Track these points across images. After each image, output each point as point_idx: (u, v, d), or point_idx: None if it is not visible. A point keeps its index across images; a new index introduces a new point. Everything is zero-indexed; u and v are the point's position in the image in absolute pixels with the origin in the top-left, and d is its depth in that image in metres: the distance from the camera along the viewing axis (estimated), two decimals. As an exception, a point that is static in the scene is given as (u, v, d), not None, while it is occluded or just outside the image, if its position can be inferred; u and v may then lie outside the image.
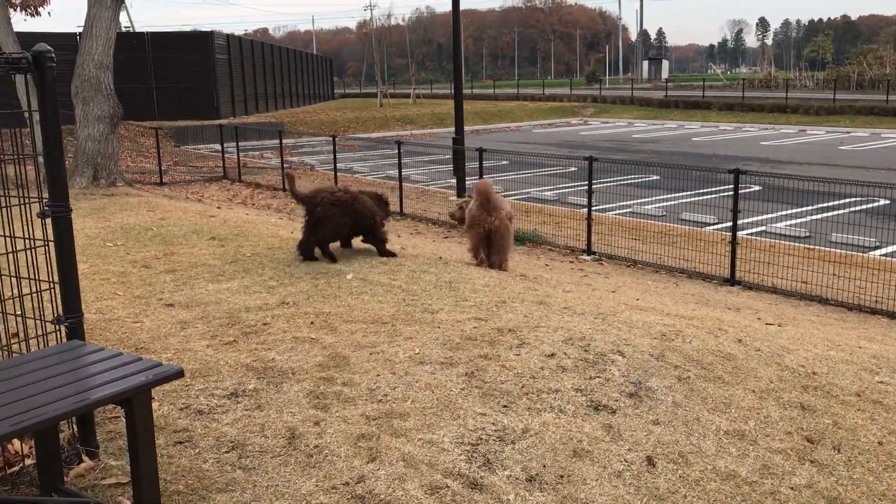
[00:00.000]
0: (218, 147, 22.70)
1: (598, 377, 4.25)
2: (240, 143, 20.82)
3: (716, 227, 14.12)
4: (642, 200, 16.54)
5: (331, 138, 17.82)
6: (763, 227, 13.56)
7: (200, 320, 5.39)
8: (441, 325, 5.13)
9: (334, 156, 17.61)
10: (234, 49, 35.11)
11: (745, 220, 13.37)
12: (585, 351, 4.59)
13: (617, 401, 4.01)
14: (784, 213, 14.40)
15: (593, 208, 12.44)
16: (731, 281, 10.62)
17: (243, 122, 31.88)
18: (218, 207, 11.38)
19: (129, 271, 6.78)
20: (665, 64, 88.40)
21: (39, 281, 3.38)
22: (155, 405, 4.00)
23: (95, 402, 2.64)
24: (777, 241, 12.50)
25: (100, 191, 12.03)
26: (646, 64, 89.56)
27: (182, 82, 31.61)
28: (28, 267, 3.39)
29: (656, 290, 9.27)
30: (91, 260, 7.25)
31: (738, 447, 3.71)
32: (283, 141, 19.70)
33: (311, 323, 5.27)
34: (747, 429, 3.89)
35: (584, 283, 7.78)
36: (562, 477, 3.34)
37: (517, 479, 3.30)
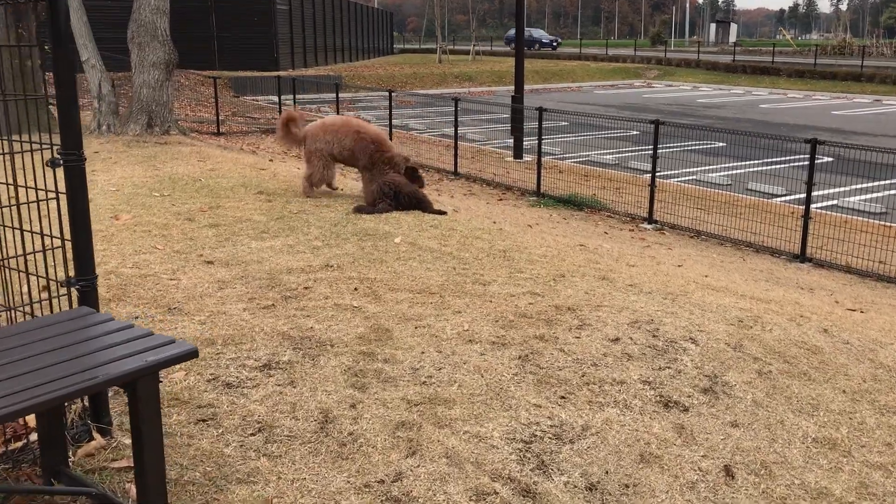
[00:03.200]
0: (276, 98, 22.42)
1: (669, 368, 3.77)
2: (297, 96, 20.48)
3: (785, 198, 13.35)
4: (707, 168, 15.78)
5: (387, 93, 17.36)
6: (835, 202, 12.76)
7: (240, 280, 5.04)
8: (493, 298, 4.69)
9: (389, 112, 17.15)
10: (295, 1, 34.67)
11: (817, 193, 12.59)
12: (654, 336, 4.11)
13: (690, 397, 3.53)
14: (858, 186, 13.51)
15: (656, 174, 11.79)
16: (802, 257, 9.95)
17: (302, 75, 31.55)
18: (270, 160, 11.04)
19: (171, 224, 6.46)
20: (733, 28, 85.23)
21: (52, 237, 3.02)
22: (181, 375, 3.66)
23: (96, 385, 2.27)
24: (850, 216, 11.70)
25: (153, 138, 11.78)
26: (713, 27, 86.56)
27: (243, 32, 31.34)
28: (41, 220, 3.04)
29: (723, 264, 8.68)
30: (135, 210, 6.96)
31: (830, 459, 3.22)
32: (340, 95, 19.29)
33: (355, 289, 4.87)
34: (839, 437, 3.38)
35: (648, 256, 7.25)
36: (627, 486, 2.89)
37: (575, 486, 2.87)
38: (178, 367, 3.75)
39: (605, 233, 10.40)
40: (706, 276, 6.33)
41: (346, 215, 6.78)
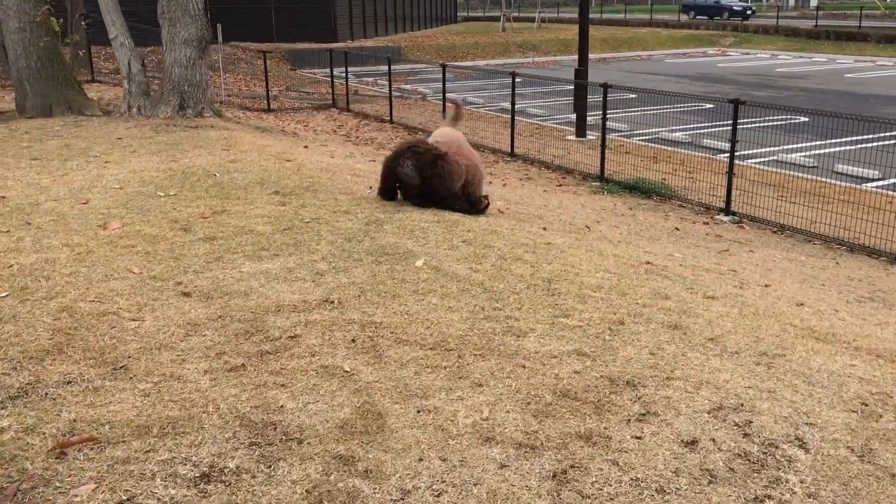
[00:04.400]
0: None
1: (769, 497, 2.58)
2: (355, 69, 19.41)
3: (878, 183, 11.73)
4: (788, 147, 14.15)
5: (440, 67, 16.15)
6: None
7: (214, 323, 4.00)
8: (528, 360, 3.53)
9: (443, 86, 15.95)
10: (355, -31, 33.52)
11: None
12: (745, 435, 2.91)
13: (805, 563, 2.34)
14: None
15: (724, 156, 10.34)
16: (907, 260, 8.48)
17: (360, 46, 30.45)
18: (305, 147, 10.00)
19: (162, 236, 5.47)
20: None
21: None
22: (87, 489, 2.64)
23: None
24: None
25: (184, 121, 10.88)
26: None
27: (301, 3, 30.37)
28: None
29: (814, 274, 7.32)
30: (130, 215, 6.00)
31: None
32: (399, 67, 18.15)
33: (352, 341, 3.78)
34: None
35: (728, 270, 5.97)
36: None
37: None
38: (87, 475, 2.73)
39: (676, 228, 9.08)
40: (802, 305, 5.04)
41: (366, 226, 5.66)
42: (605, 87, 11.94)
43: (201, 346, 3.74)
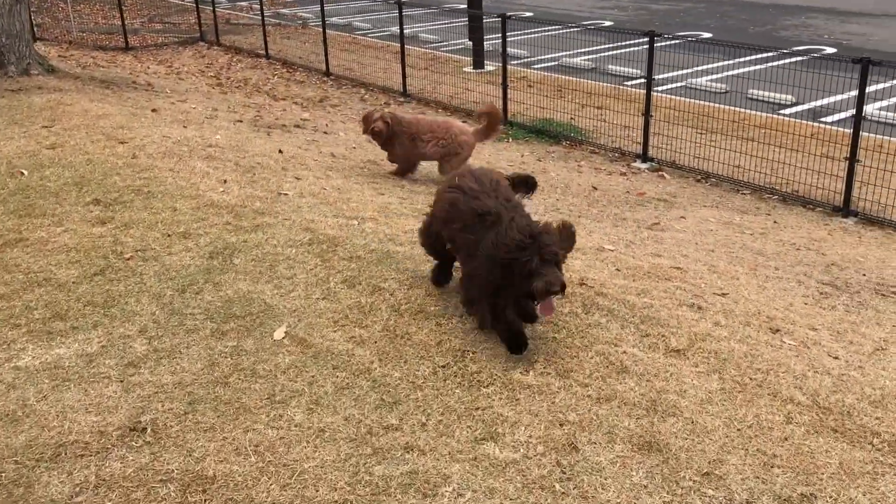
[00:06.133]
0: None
1: None
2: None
3: (795, 109, 10.74)
4: (697, 69, 12.96)
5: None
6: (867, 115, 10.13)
7: (-52, 497, 2.48)
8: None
9: (322, 9, 13.99)
10: None
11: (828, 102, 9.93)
12: None
13: None
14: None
15: (633, 84, 9.09)
16: (845, 210, 7.51)
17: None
18: (154, 111, 8.15)
19: (-83, 297, 3.79)
20: None
21: None
22: None
23: None
24: None
25: (4, 84, 8.80)
26: None
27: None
28: None
29: (757, 243, 6.21)
30: None
31: None
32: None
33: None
34: None
35: (670, 268, 4.72)
36: None
37: None
38: None
39: (595, 188, 7.82)
40: (777, 332, 3.86)
41: (210, 259, 4.11)
42: (504, 19, 10.38)
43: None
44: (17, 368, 3.19)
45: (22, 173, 5.58)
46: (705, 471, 2.53)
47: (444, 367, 3.14)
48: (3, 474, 2.60)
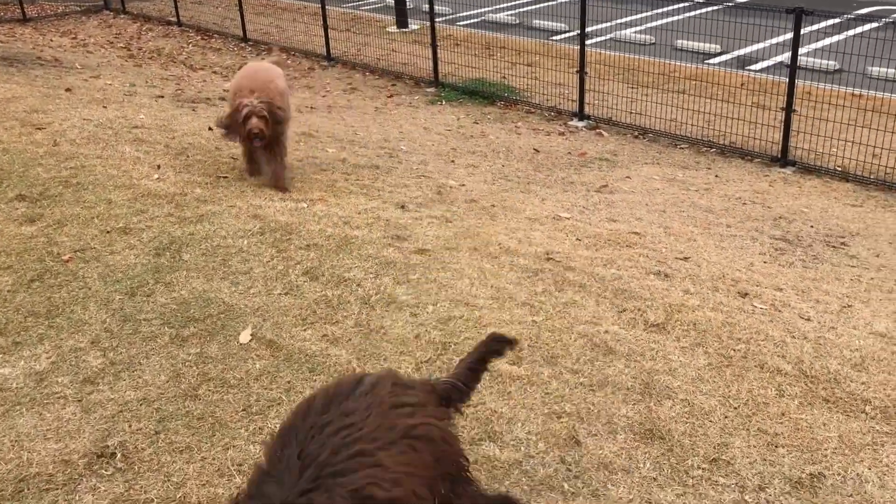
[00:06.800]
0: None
1: None
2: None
3: (721, 59, 10.86)
4: (621, 21, 12.96)
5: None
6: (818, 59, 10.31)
7: None
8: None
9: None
10: None
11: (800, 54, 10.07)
12: None
13: None
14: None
15: (561, 38, 9.00)
16: (783, 160, 7.63)
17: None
18: (68, 90, 7.62)
19: None
20: None
21: None
22: None
23: None
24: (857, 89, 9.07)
25: None
26: None
27: None
28: None
29: (703, 201, 6.25)
30: None
31: None
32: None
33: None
34: None
35: (628, 233, 4.68)
36: None
37: None
38: None
39: (536, 151, 7.73)
40: (746, 296, 3.86)
41: (156, 257, 3.85)
42: (430, -26, 10.08)
43: None
44: (-49, 399, 2.91)
45: (-70, 168, 5.13)
46: (712, 457, 2.48)
47: (426, 362, 3.01)
48: (-40, 521, 2.36)
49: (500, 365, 2.98)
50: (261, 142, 4.84)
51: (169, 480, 2.48)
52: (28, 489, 2.47)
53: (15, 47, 10.96)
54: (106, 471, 2.53)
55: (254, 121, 4.73)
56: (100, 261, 3.81)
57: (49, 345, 3.19)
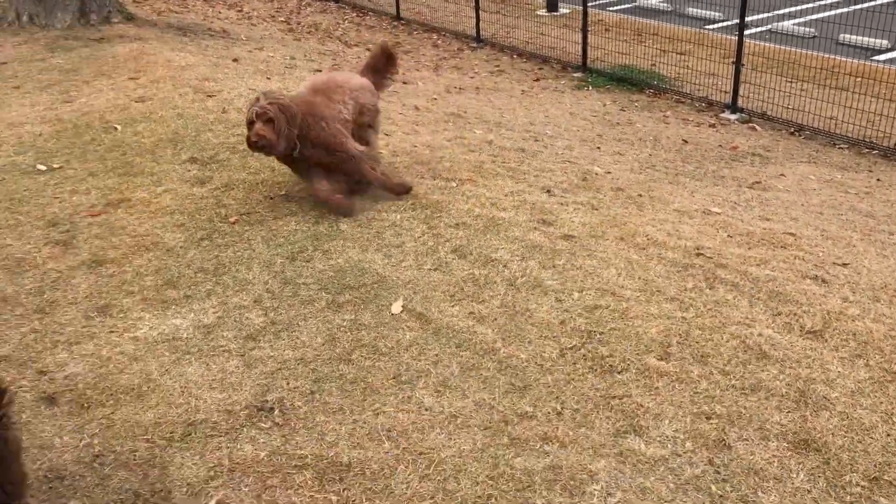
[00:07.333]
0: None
1: None
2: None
3: (890, 55, 10.11)
4: (780, 12, 12.29)
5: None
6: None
7: (84, 476, 2.45)
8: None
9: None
10: None
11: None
12: None
13: None
14: None
15: (716, 27, 8.59)
16: (953, 168, 7.04)
17: None
18: (235, 61, 8.02)
19: (30, 260, 3.76)
20: None
21: None
22: None
23: None
24: None
25: (87, 33, 8.76)
26: None
27: None
28: None
29: (864, 204, 5.86)
30: (-8, 214, 4.25)
31: None
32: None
33: (306, 524, 2.27)
34: None
35: (783, 234, 4.46)
36: None
37: None
38: None
39: (685, 141, 7.48)
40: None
41: (316, 225, 4.00)
42: (586, -40, 9.88)
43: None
44: (136, 339, 3.14)
45: (115, 128, 5.52)
46: (873, 475, 2.35)
47: (571, 349, 2.99)
48: (137, 453, 2.55)
49: (647, 359, 2.92)
50: (268, 153, 3.93)
51: (322, 440, 2.58)
52: (195, 434, 2.64)
53: (188, 18, 11.59)
54: (264, 424, 2.67)
55: (257, 126, 3.79)
56: (263, 225, 4.00)
57: (216, 300, 3.38)
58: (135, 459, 2.52)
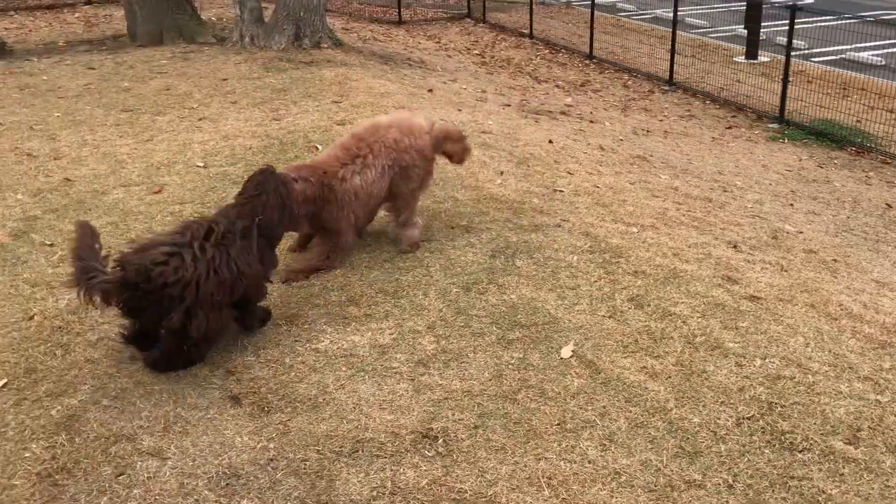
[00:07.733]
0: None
1: None
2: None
3: None
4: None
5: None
6: None
7: (260, 477, 2.58)
8: None
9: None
10: None
11: None
12: None
13: None
14: None
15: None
16: None
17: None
18: (430, 91, 8.30)
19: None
20: None
21: None
22: None
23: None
24: None
25: (299, 55, 9.39)
26: None
27: None
28: None
29: None
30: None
31: None
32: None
33: (459, 560, 2.26)
34: None
35: None
36: None
37: None
38: None
39: (889, 206, 6.90)
40: None
41: (492, 258, 4.03)
42: (794, 9, 9.43)
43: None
44: (316, 351, 3.28)
45: (316, 147, 5.85)
46: None
47: (748, 418, 2.81)
48: (307, 463, 2.65)
49: (833, 441, 2.69)
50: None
51: (482, 476, 2.57)
52: (362, 451, 2.71)
53: (390, 47, 12.15)
54: (428, 452, 2.70)
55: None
56: (442, 253, 4.08)
57: (392, 322, 3.48)
58: (305, 468, 2.63)
